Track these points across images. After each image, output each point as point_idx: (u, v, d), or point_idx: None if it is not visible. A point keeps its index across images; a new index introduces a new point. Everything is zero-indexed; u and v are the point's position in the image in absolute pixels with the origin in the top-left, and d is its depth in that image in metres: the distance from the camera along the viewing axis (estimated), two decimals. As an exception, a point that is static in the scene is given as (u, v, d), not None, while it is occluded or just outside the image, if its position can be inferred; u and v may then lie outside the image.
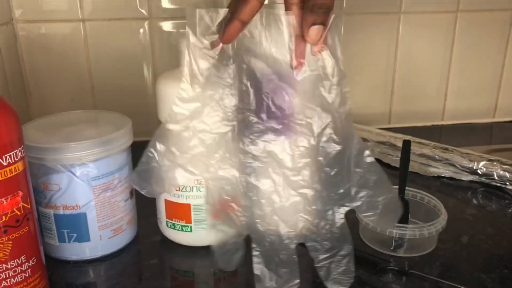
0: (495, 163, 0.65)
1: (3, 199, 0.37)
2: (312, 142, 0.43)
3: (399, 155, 0.54)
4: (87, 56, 0.75)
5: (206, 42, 0.42)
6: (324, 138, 0.43)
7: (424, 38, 0.85)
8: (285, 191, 0.45)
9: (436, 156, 0.69)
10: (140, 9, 0.74)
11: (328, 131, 0.43)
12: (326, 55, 0.43)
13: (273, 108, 0.44)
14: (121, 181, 0.49)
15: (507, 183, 0.64)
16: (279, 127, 0.44)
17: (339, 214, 0.45)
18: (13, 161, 0.37)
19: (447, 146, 0.70)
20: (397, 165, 0.56)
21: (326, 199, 0.45)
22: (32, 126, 0.50)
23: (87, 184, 0.47)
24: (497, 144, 0.86)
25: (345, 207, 0.45)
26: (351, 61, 0.85)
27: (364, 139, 0.77)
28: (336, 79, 0.43)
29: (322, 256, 0.45)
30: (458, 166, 0.67)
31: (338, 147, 0.44)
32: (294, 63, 0.42)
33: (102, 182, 0.48)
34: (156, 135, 0.45)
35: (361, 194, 0.44)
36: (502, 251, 0.51)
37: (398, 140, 0.73)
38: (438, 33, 0.85)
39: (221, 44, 0.42)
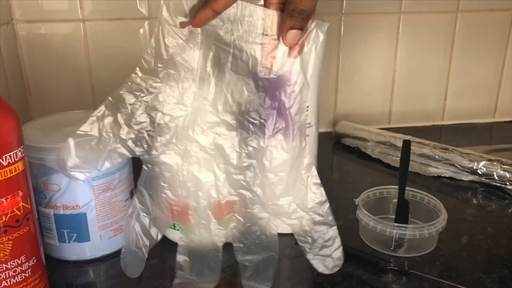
0: (495, 163, 0.65)
1: (3, 199, 0.37)
2: (262, 144, 0.43)
3: (399, 155, 0.54)
4: (87, 56, 0.75)
5: (178, 21, 0.42)
6: (273, 143, 0.43)
7: (424, 38, 0.85)
8: (224, 188, 0.44)
9: (436, 156, 0.69)
10: (140, 9, 0.74)
11: (279, 136, 0.43)
12: (296, 61, 0.42)
13: (230, 102, 0.43)
14: (121, 181, 0.49)
15: (507, 183, 0.64)
16: (232, 122, 0.43)
17: (273, 225, 0.44)
18: (13, 161, 0.37)
19: (447, 146, 0.70)
20: (397, 165, 0.56)
21: (264, 206, 0.44)
22: (32, 126, 0.50)
23: (87, 184, 0.47)
24: (497, 144, 0.86)
25: (279, 220, 0.44)
26: (351, 61, 0.85)
27: (364, 139, 0.77)
28: (298, 87, 0.43)
29: (246, 257, 0.44)
30: (458, 166, 0.67)
31: (285, 155, 0.43)
32: (264, 61, 0.42)
33: (102, 182, 0.48)
34: (107, 101, 0.43)
35: (298, 214, 0.44)
36: (502, 251, 0.51)
37: (398, 140, 0.73)
38: (438, 33, 0.85)
39: (190, 26, 0.42)
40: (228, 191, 0.44)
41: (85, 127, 0.42)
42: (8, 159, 0.36)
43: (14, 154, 0.37)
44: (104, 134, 0.42)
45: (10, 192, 0.37)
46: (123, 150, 0.43)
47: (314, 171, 0.44)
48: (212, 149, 0.43)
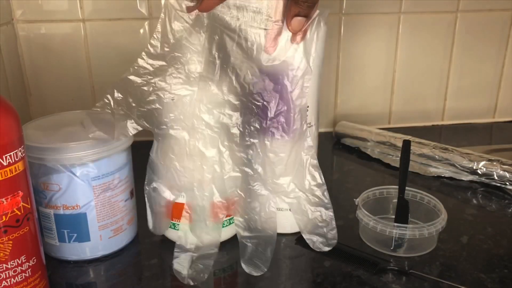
0: (495, 163, 0.65)
1: (3, 199, 0.37)
2: (264, 125, 0.45)
3: (399, 155, 0.54)
4: (87, 56, 0.75)
5: (184, 6, 0.44)
6: (275, 124, 0.45)
7: (424, 38, 0.85)
8: (228, 165, 0.46)
9: (436, 156, 0.69)
10: (140, 9, 0.74)
11: (281, 119, 0.45)
12: (299, 47, 0.44)
13: (234, 83, 0.45)
14: (121, 181, 0.49)
15: (507, 183, 0.64)
16: (236, 102, 0.45)
17: (272, 202, 0.47)
18: (13, 161, 0.37)
19: (447, 146, 0.70)
20: (397, 165, 0.56)
21: (264, 183, 0.46)
22: (32, 126, 0.50)
23: (87, 184, 0.47)
24: (497, 144, 0.86)
25: (279, 198, 0.47)
26: (351, 61, 0.85)
27: (364, 139, 0.77)
28: (301, 72, 0.44)
29: (244, 234, 0.47)
30: (458, 166, 0.67)
31: (286, 137, 0.45)
32: (267, 45, 0.44)
33: (102, 182, 0.48)
34: (116, 83, 0.46)
35: (296, 194, 0.46)
36: (502, 251, 0.52)
37: (398, 140, 0.73)
38: (438, 33, 0.85)
39: (196, 11, 0.43)
40: (231, 167, 0.46)
41: (99, 104, 0.47)
42: (8, 159, 0.37)
43: (14, 154, 0.37)
44: (115, 112, 0.46)
45: (10, 192, 0.37)
46: (135, 125, 0.46)
47: (314, 154, 0.46)
48: (217, 127, 0.46)
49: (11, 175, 0.37)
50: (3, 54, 0.67)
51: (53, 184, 0.46)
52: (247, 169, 0.46)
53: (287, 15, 0.43)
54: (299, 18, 0.42)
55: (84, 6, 0.73)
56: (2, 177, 0.36)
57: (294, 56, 0.44)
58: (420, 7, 0.83)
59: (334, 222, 0.46)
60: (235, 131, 0.45)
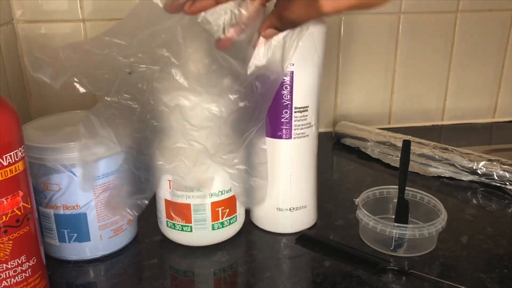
0: (495, 163, 0.65)
1: (3, 199, 0.37)
2: (224, 115, 0.46)
3: (399, 155, 0.54)
4: (87, 56, 0.75)
5: (161, 5, 0.44)
6: (235, 115, 0.47)
7: (424, 38, 0.85)
8: (176, 137, 0.47)
9: (436, 156, 0.69)
10: (140, 9, 0.74)
11: (243, 111, 0.47)
12: (275, 52, 0.45)
13: (201, 71, 0.46)
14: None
15: (507, 183, 0.64)
16: (200, 89, 0.46)
17: (212, 168, 0.48)
18: (13, 161, 0.37)
19: (447, 146, 0.70)
20: (397, 165, 0.56)
21: (211, 157, 0.48)
22: (32, 126, 0.50)
23: (87, 184, 0.47)
24: (497, 144, 0.86)
25: (224, 170, 0.49)
26: (351, 61, 0.85)
27: (364, 139, 0.77)
28: (274, 75, 0.46)
29: (180, 183, 0.49)
30: (458, 166, 0.67)
31: (242, 125, 0.47)
32: (221, 37, 0.44)
33: (102, 182, 0.48)
34: (65, 46, 0.44)
35: (238, 167, 0.49)
36: (502, 251, 0.52)
37: (398, 140, 0.73)
38: (438, 33, 0.85)
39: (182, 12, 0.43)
40: (178, 139, 0.47)
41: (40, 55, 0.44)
42: (9, 159, 0.37)
43: (14, 154, 0.37)
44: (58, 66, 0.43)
45: (10, 192, 0.37)
46: (78, 85, 0.44)
47: (264, 141, 0.50)
48: (173, 107, 0.46)
49: (11, 175, 0.37)
50: (3, 54, 0.67)
51: (53, 184, 0.46)
52: (196, 144, 0.47)
53: (265, 22, 0.43)
54: (274, 30, 0.43)
55: (84, 6, 0.73)
56: (2, 177, 0.36)
57: (270, 60, 0.45)
58: (420, 7, 0.83)
59: (265, 191, 0.52)
60: (192, 112, 0.46)
